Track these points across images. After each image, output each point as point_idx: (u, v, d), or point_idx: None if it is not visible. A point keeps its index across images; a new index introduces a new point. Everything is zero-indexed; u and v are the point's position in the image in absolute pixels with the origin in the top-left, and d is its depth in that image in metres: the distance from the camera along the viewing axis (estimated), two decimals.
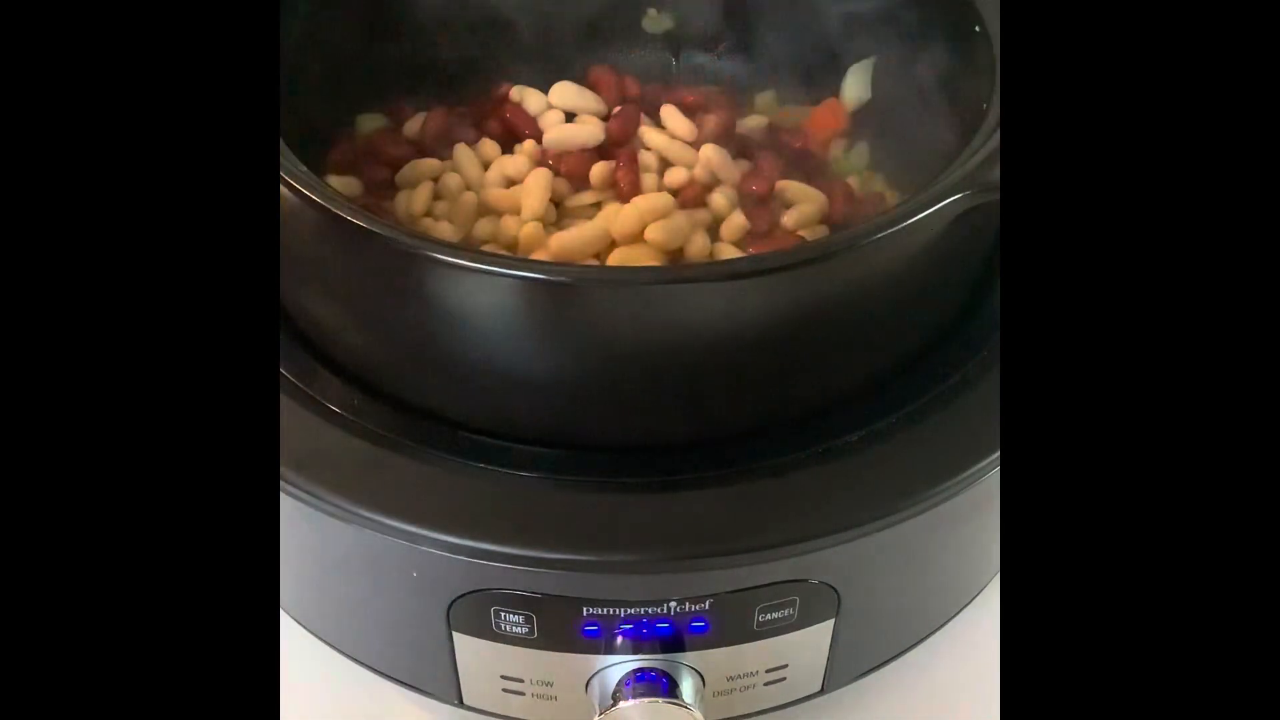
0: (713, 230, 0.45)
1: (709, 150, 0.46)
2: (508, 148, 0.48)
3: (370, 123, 0.50)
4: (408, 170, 0.47)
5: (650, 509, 0.35)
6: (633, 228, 0.42)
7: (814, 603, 0.37)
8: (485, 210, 0.45)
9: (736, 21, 0.54)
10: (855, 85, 0.52)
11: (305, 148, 0.38)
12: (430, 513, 0.34)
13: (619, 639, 0.36)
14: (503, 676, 0.38)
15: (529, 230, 0.43)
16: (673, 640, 0.36)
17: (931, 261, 0.36)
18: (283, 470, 0.35)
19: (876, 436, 0.37)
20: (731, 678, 0.38)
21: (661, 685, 0.37)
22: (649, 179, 0.46)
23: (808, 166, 0.50)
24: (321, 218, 0.34)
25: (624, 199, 0.44)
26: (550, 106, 0.50)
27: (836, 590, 0.36)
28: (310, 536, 0.37)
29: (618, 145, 0.47)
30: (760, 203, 0.46)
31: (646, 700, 0.36)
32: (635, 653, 0.37)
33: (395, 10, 0.51)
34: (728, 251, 0.44)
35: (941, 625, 0.43)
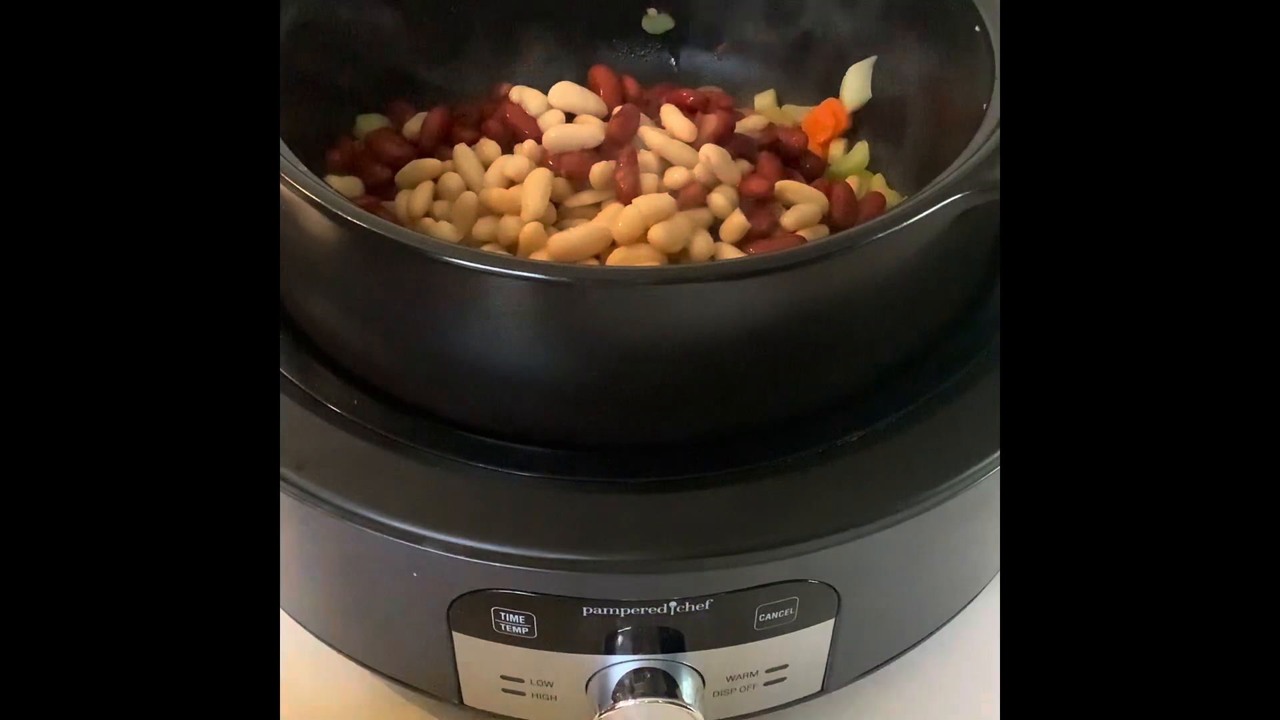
0: (713, 231, 0.45)
1: (709, 150, 0.46)
2: (508, 148, 0.48)
3: (370, 123, 0.50)
4: (408, 170, 0.47)
5: (650, 509, 0.35)
6: (635, 229, 0.42)
7: (814, 603, 0.37)
8: (485, 210, 0.45)
9: (736, 21, 0.54)
10: (855, 85, 0.52)
11: (305, 148, 0.38)
12: (430, 513, 0.34)
13: (619, 639, 0.36)
14: (503, 676, 0.38)
15: (529, 230, 0.43)
16: (673, 640, 0.36)
17: (931, 261, 0.36)
18: (283, 470, 0.35)
19: (876, 436, 0.37)
20: (731, 678, 0.38)
21: (661, 685, 0.37)
22: (649, 179, 0.46)
23: (808, 166, 0.50)
24: (321, 218, 0.34)
25: (624, 199, 0.44)
26: (550, 106, 0.50)
27: (836, 590, 0.36)
28: (310, 536, 0.37)
29: (618, 145, 0.47)
30: (760, 203, 0.46)
31: (646, 700, 0.36)
32: (635, 653, 0.37)
33: (395, 10, 0.51)
34: (728, 252, 0.44)
35: (941, 625, 0.43)
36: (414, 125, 0.49)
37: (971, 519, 0.39)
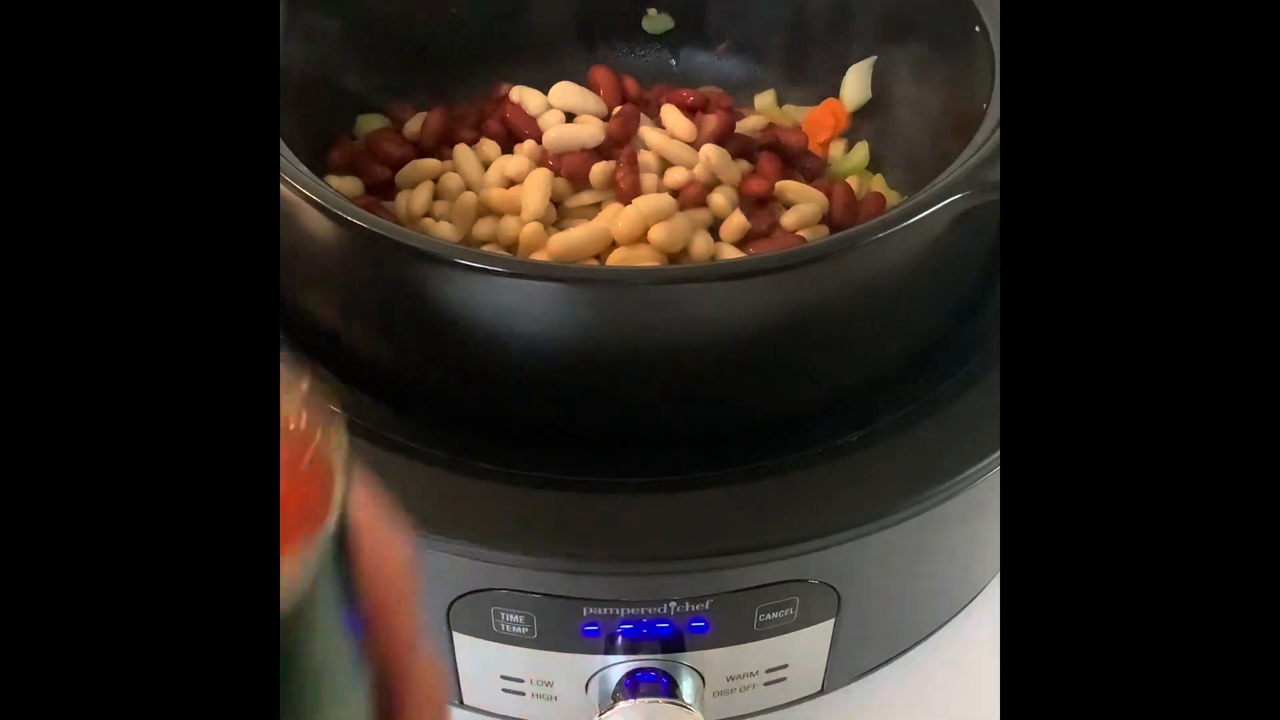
0: (713, 231, 0.45)
1: (709, 150, 0.46)
2: (508, 148, 0.48)
3: (370, 123, 0.50)
4: (408, 170, 0.47)
5: (650, 509, 0.35)
6: (635, 229, 0.42)
7: (814, 603, 0.37)
8: (485, 210, 0.45)
9: (736, 21, 0.54)
10: (855, 85, 0.52)
11: (305, 148, 0.38)
12: (430, 513, 0.34)
13: (619, 639, 0.36)
14: (503, 676, 0.38)
15: (529, 230, 0.43)
16: (673, 640, 0.36)
17: (931, 261, 0.36)
18: None
19: (876, 436, 0.37)
20: (731, 678, 0.38)
21: (661, 685, 0.37)
22: (649, 179, 0.46)
23: (808, 166, 0.50)
24: (322, 218, 0.34)
25: (624, 199, 0.44)
26: (550, 106, 0.50)
27: (836, 590, 0.36)
28: None
29: (618, 145, 0.47)
30: (760, 203, 0.46)
31: (646, 700, 0.36)
32: (635, 653, 0.37)
33: (395, 9, 0.51)
34: (728, 252, 0.44)
35: (941, 625, 0.43)
36: (414, 125, 0.49)
37: (971, 519, 0.39)
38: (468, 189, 0.46)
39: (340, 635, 0.17)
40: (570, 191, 0.46)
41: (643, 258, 0.42)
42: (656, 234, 0.42)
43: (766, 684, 0.39)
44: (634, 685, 0.37)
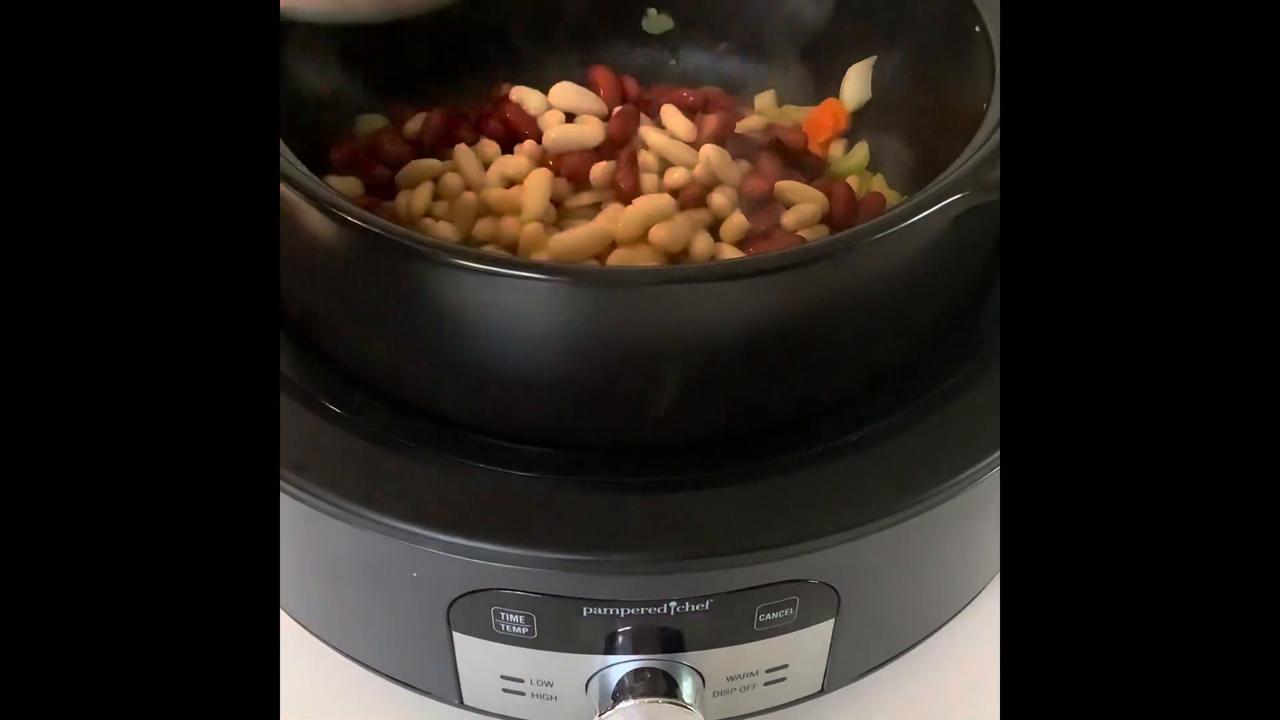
0: (713, 230, 0.45)
1: (709, 150, 0.46)
2: (508, 148, 0.48)
3: (370, 123, 0.50)
4: (408, 170, 0.47)
5: (650, 509, 0.35)
6: (636, 229, 0.42)
7: (814, 603, 0.37)
8: (485, 210, 0.45)
9: (736, 21, 0.54)
10: (855, 85, 0.52)
11: (305, 148, 0.38)
12: (430, 513, 0.34)
13: (619, 639, 0.36)
14: (503, 676, 0.38)
15: (529, 231, 0.43)
16: (673, 640, 0.36)
17: (931, 261, 0.36)
18: (282, 470, 0.35)
19: (876, 436, 0.37)
20: (731, 678, 0.38)
21: (661, 685, 0.37)
22: (649, 179, 0.46)
23: (808, 166, 0.50)
24: (322, 218, 0.34)
25: (624, 199, 0.44)
26: (550, 106, 0.50)
27: (836, 590, 0.36)
28: (310, 536, 0.37)
29: (618, 145, 0.47)
30: (760, 203, 0.46)
31: (646, 700, 0.36)
32: (635, 653, 0.37)
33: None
34: (728, 252, 0.44)
35: (941, 625, 0.43)
36: (414, 125, 0.49)
37: (971, 519, 0.39)
38: (468, 189, 0.46)
39: None
40: (570, 192, 0.46)
41: (643, 258, 0.42)
42: (657, 234, 0.42)
43: (766, 684, 0.39)
44: (634, 685, 0.37)
